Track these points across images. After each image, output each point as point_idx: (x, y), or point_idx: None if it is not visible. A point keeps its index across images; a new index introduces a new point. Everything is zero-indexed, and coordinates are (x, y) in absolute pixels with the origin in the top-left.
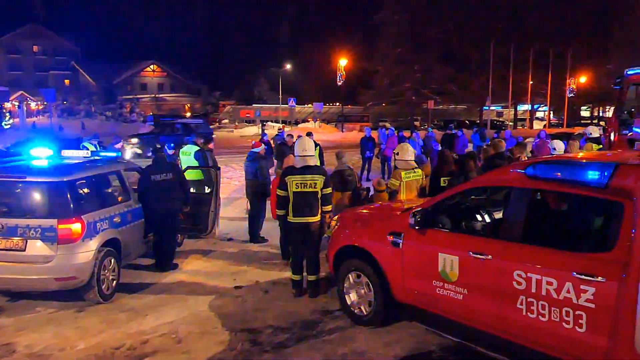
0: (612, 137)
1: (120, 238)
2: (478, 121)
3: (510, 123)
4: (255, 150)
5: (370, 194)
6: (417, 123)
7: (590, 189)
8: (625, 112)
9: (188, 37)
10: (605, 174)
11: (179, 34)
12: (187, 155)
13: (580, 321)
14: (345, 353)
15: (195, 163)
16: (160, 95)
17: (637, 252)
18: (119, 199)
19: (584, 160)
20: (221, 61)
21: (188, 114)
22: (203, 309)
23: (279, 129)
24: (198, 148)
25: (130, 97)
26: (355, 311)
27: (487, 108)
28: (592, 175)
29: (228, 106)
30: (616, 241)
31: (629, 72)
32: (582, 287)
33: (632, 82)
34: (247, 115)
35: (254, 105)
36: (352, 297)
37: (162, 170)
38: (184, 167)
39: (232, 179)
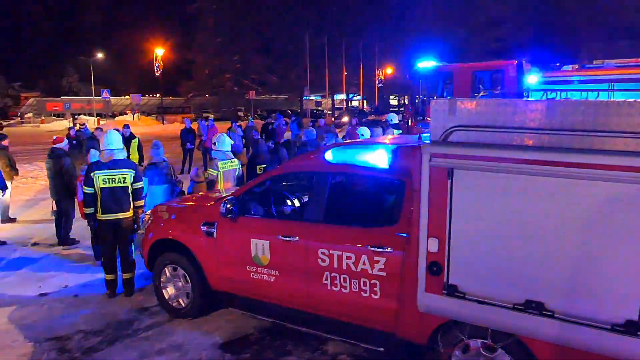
0: (409, 123)
1: None
2: (299, 110)
3: (329, 112)
4: (57, 146)
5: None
6: (241, 113)
7: (378, 170)
8: (418, 101)
9: None
10: (389, 156)
11: None
12: None
13: (375, 289)
14: (163, 348)
15: None
16: None
17: (416, 224)
18: None
19: (372, 145)
20: (21, 49)
21: None
22: (1, 322)
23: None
24: None
25: None
26: (174, 305)
27: (307, 98)
28: (379, 157)
29: (31, 99)
30: (400, 215)
31: (420, 65)
32: (375, 258)
33: (422, 74)
34: (55, 108)
35: (62, 97)
36: (169, 291)
37: None
38: None
39: (38, 178)
